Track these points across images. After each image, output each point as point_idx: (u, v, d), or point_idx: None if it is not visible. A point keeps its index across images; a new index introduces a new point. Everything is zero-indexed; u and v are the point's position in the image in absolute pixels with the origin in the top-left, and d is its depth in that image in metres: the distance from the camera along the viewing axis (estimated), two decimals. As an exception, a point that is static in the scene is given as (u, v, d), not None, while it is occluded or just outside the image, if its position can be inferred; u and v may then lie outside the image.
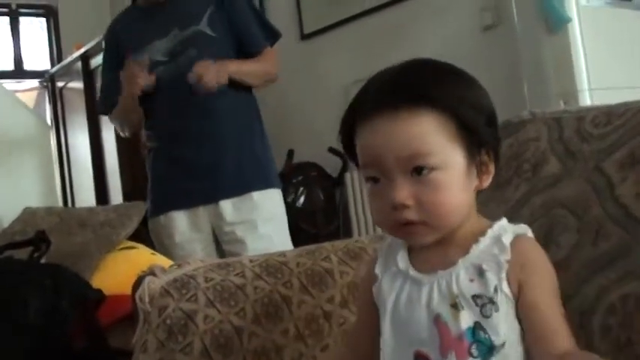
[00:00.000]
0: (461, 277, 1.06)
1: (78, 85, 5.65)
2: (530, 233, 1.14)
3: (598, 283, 1.45)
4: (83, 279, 2.40)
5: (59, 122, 5.93)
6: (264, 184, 2.98)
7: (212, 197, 2.90)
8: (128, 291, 2.24)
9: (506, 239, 1.08)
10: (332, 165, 4.77)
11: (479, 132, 1.08)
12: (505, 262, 1.05)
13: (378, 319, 1.19)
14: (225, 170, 2.90)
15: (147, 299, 1.58)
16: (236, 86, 2.95)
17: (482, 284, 1.05)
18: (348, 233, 4.74)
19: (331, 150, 4.64)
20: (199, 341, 1.55)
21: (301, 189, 4.81)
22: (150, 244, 2.98)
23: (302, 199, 4.80)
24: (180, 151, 2.92)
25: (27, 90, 6.30)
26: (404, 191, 1.06)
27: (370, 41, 4.64)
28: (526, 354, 1.06)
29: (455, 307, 1.05)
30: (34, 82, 6.44)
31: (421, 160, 1.06)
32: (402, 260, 1.15)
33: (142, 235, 3.03)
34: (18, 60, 6.49)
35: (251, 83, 2.98)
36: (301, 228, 4.51)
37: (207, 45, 2.89)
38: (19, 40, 6.52)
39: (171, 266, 1.70)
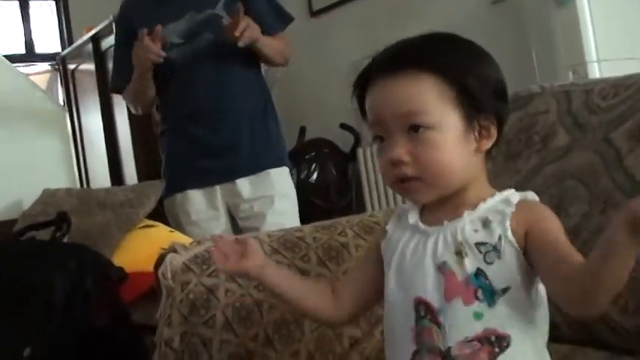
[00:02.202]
0: (466, 227, 1.12)
1: (89, 66, 5.66)
2: (537, 199, 1.18)
3: (607, 251, 1.49)
4: (105, 258, 2.45)
5: (72, 104, 5.97)
6: (278, 162, 3.03)
7: (229, 176, 2.95)
8: (149, 268, 2.29)
9: (514, 198, 1.14)
10: (344, 140, 4.80)
11: (478, 98, 1.13)
12: (510, 213, 1.11)
13: (374, 272, 1.27)
14: (241, 149, 2.95)
15: (169, 275, 1.63)
16: (249, 64, 2.98)
17: (487, 233, 1.11)
18: (360, 207, 4.78)
19: (343, 126, 4.67)
20: (221, 314, 1.60)
21: (314, 165, 4.84)
22: (167, 222, 3.02)
23: (315, 175, 4.83)
24: (196, 131, 2.96)
25: (38, 73, 6.32)
26: (401, 148, 1.13)
27: (379, 17, 4.66)
28: (534, 298, 1.12)
29: (459, 254, 1.11)
30: (45, 65, 6.46)
31: (417, 119, 1.12)
32: (412, 216, 1.22)
33: (160, 214, 3.07)
34: (29, 43, 6.51)
35: (271, 57, 2.99)
36: (315, 203, 4.55)
37: (222, 28, 2.92)
38: (29, 23, 6.54)
39: (191, 243, 1.74)
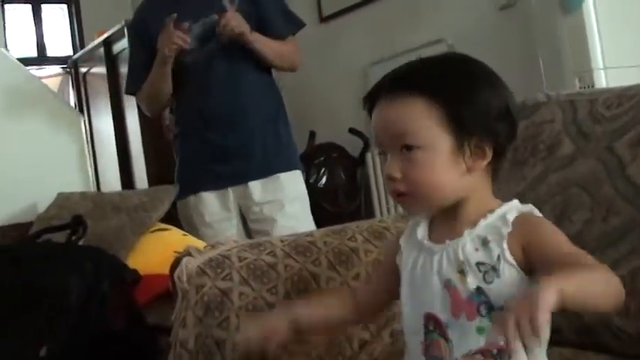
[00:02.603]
0: (467, 246, 1.17)
1: (101, 70, 5.72)
2: (536, 212, 1.22)
3: (609, 257, 1.53)
4: (120, 260, 2.50)
5: (83, 107, 6.03)
6: (288, 166, 3.08)
7: (241, 179, 3.00)
8: (162, 271, 2.34)
9: (511, 215, 1.18)
10: (353, 145, 4.84)
11: (468, 123, 1.18)
12: (506, 233, 1.15)
13: (389, 282, 1.34)
14: (253, 153, 3.01)
15: (185, 278, 1.67)
16: (262, 69, 3.03)
17: (486, 253, 1.16)
18: (369, 212, 4.82)
19: (352, 130, 4.71)
20: (235, 317, 1.64)
21: (323, 169, 4.89)
22: (179, 225, 3.07)
23: (324, 179, 4.88)
24: (209, 135, 3.01)
25: (50, 76, 6.38)
26: (394, 165, 1.20)
27: (388, 23, 4.70)
28: None
29: (462, 272, 1.16)
30: (57, 68, 6.52)
31: (408, 140, 1.19)
32: (420, 232, 1.27)
33: (172, 217, 3.12)
34: (41, 46, 6.58)
35: (267, 56, 3.02)
36: (324, 207, 4.59)
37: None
38: (41, 26, 6.60)
39: (206, 247, 1.78)
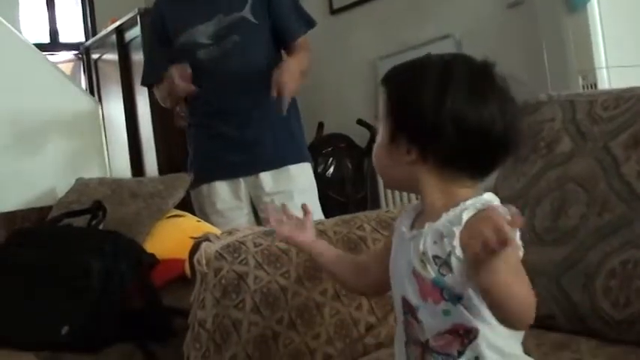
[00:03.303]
0: (427, 239, 1.23)
1: (113, 57, 5.75)
2: (500, 209, 1.15)
3: (602, 250, 1.63)
4: (138, 244, 2.58)
5: (94, 93, 6.07)
6: (298, 158, 3.16)
7: (252, 170, 3.09)
8: (178, 255, 2.44)
9: (467, 214, 1.19)
10: (360, 136, 4.88)
11: (403, 124, 1.25)
12: (457, 231, 1.18)
13: (386, 259, 1.40)
14: (264, 145, 3.08)
15: (204, 262, 1.77)
16: (274, 64, 3.09)
17: (440, 248, 1.21)
18: (375, 201, 4.87)
19: (359, 122, 4.76)
20: (250, 299, 1.75)
21: (331, 159, 4.93)
22: (193, 212, 3.15)
23: (331, 169, 4.93)
24: (222, 128, 3.09)
25: (62, 62, 6.43)
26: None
27: (397, 17, 4.75)
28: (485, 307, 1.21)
29: (423, 262, 1.23)
30: (69, 54, 6.57)
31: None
32: (405, 219, 1.34)
33: (186, 204, 3.20)
34: (53, 32, 6.63)
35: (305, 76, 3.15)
36: (331, 197, 4.64)
37: (250, 31, 3.05)
38: (54, 12, 6.65)
39: (223, 233, 1.88)
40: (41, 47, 5.69)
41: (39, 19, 6.56)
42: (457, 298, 1.20)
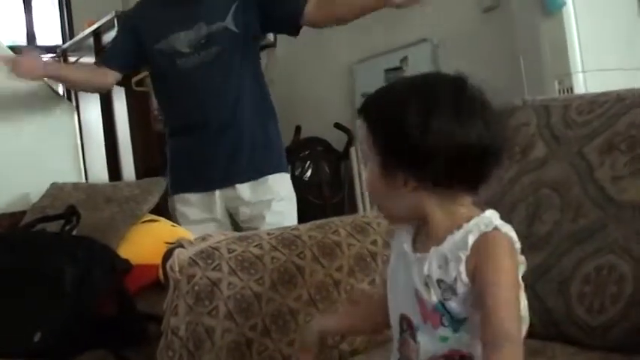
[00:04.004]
0: (433, 262, 1.22)
1: (90, 60, 5.70)
2: (504, 228, 1.21)
3: (576, 256, 1.63)
4: (112, 250, 2.55)
5: (72, 97, 6.04)
6: (276, 169, 3.13)
7: (229, 181, 3.06)
8: (152, 261, 2.42)
9: (472, 237, 1.20)
10: (337, 140, 4.89)
11: (388, 153, 1.24)
12: (464, 257, 1.19)
13: None
14: (242, 157, 3.05)
15: (177, 268, 1.75)
16: (255, 74, 3.11)
17: (446, 272, 1.21)
18: (352, 205, 4.88)
19: (337, 125, 4.77)
20: (224, 305, 1.73)
21: (308, 163, 4.95)
22: (169, 217, 3.12)
23: (309, 173, 4.94)
24: (199, 139, 3.05)
25: (39, 65, 6.40)
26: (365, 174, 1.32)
27: (374, 21, 4.71)
28: None
29: (426, 285, 1.23)
30: (46, 57, 6.54)
31: (363, 156, 1.31)
32: (405, 237, 1.33)
33: (162, 209, 3.18)
34: (31, 35, 6.61)
35: None
36: (308, 200, 4.65)
37: (231, 41, 3.01)
38: (31, 14, 6.63)
39: (196, 239, 1.86)
40: (18, 50, 5.66)
41: (16, 22, 6.53)
42: (459, 324, 1.20)
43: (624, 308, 1.53)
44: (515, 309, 1.16)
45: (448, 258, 1.20)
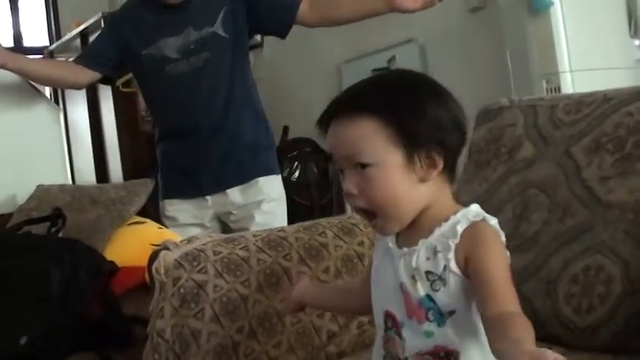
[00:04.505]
0: (420, 255, 1.23)
1: (77, 61, 5.73)
2: (491, 221, 1.24)
3: (563, 256, 1.62)
4: (98, 252, 2.54)
5: (58, 98, 6.03)
6: (267, 171, 3.11)
7: (220, 187, 3.04)
8: (138, 263, 2.41)
9: (461, 227, 1.22)
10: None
11: (415, 134, 1.23)
12: (454, 245, 1.20)
13: None
14: (233, 161, 3.03)
15: (162, 271, 1.74)
16: (244, 79, 3.08)
17: (434, 263, 1.21)
18: (340, 205, 4.87)
19: (325, 126, 4.77)
20: (210, 308, 1.72)
21: (296, 163, 4.93)
22: (156, 219, 3.11)
23: (297, 173, 4.93)
24: (189, 145, 3.04)
25: (26, 66, 6.37)
26: (350, 182, 1.26)
27: (362, 22, 4.74)
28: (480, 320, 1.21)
29: (413, 278, 1.23)
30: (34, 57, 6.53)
31: (360, 158, 1.24)
32: (390, 238, 1.32)
33: (149, 211, 3.17)
34: (17, 36, 6.58)
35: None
36: (296, 201, 4.64)
37: (220, 47, 2.99)
38: (18, 16, 6.60)
39: (182, 241, 1.86)
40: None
41: (2, 23, 6.51)
42: (444, 318, 1.20)
43: (612, 308, 1.53)
44: (512, 287, 1.17)
45: (437, 248, 1.21)
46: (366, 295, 1.41)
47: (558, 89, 3.38)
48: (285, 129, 5.06)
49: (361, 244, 1.96)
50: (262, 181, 3.05)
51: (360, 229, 1.98)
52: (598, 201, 1.63)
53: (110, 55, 3.13)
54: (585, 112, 1.78)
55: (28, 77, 3.24)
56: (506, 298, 1.15)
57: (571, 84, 3.41)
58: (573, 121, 1.80)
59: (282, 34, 3.17)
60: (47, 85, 3.20)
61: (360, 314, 1.62)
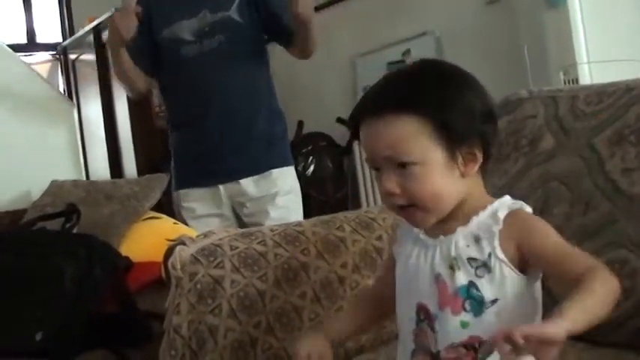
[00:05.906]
0: (459, 243, 1.23)
1: (90, 57, 5.70)
2: (527, 208, 1.26)
3: (587, 250, 1.56)
4: (113, 247, 2.52)
5: (72, 94, 6.03)
6: (281, 162, 3.07)
7: (233, 176, 3.00)
8: (153, 258, 2.40)
9: (501, 213, 1.23)
10: (340, 134, 4.87)
11: (458, 131, 1.21)
12: (497, 231, 1.21)
13: (393, 271, 1.38)
14: (248, 150, 3.00)
15: (178, 266, 1.72)
16: (260, 65, 3.04)
17: (478, 250, 1.21)
18: (356, 200, 4.86)
19: (339, 120, 4.75)
20: (227, 303, 1.70)
21: (311, 158, 4.93)
22: (171, 214, 3.09)
23: (312, 168, 4.92)
24: (203, 131, 2.99)
25: (40, 62, 6.37)
26: (391, 182, 1.24)
27: (376, 14, 4.73)
28: (526, 306, 1.22)
29: (452, 268, 1.22)
30: (46, 55, 6.52)
31: (402, 158, 1.22)
32: (414, 228, 1.31)
33: (164, 206, 3.15)
34: (30, 33, 6.58)
35: (314, 39, 3.00)
36: (311, 195, 4.63)
37: (234, 31, 2.96)
38: (31, 12, 6.60)
39: (198, 236, 1.83)
40: (18, 48, 5.65)
41: (15, 20, 6.50)
42: (483, 308, 1.20)
43: (637, 303, 1.50)
44: (576, 248, 1.21)
45: (480, 236, 1.22)
46: (385, 294, 1.40)
47: (576, 81, 3.35)
48: (300, 124, 5.04)
49: (379, 238, 1.93)
50: (276, 172, 3.01)
51: (379, 224, 1.96)
52: (621, 193, 1.60)
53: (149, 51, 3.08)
54: (607, 103, 1.75)
55: (121, 64, 3.07)
56: (578, 260, 1.17)
57: (589, 75, 3.39)
58: (595, 112, 1.76)
59: (284, 43, 3.12)
60: (125, 81, 3.06)
61: (386, 316, 1.57)
